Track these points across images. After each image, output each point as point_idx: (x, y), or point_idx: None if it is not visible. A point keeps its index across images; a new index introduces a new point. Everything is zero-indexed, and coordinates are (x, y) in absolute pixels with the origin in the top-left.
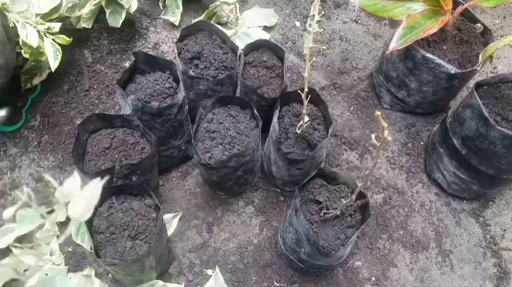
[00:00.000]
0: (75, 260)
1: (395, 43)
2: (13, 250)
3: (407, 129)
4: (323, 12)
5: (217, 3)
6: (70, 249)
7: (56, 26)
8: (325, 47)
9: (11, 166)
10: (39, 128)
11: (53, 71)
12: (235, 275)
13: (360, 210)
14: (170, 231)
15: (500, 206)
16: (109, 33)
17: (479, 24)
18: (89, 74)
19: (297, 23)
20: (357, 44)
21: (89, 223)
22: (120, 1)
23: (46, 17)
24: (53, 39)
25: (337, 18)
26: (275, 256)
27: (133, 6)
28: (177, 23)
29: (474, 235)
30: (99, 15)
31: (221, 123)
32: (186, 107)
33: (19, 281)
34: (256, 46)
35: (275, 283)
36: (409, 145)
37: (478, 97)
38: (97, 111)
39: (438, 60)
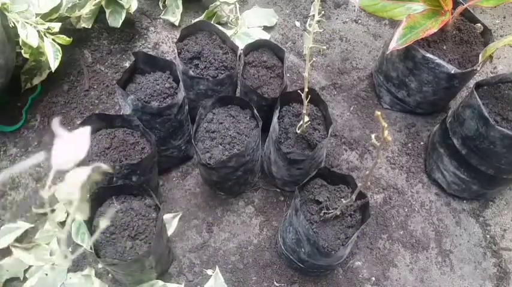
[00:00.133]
0: (75, 260)
1: (395, 43)
2: (13, 250)
3: (407, 129)
4: (323, 12)
5: (217, 3)
6: (70, 249)
7: (56, 26)
8: (325, 47)
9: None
10: (39, 128)
11: (53, 71)
12: (235, 275)
13: (360, 210)
14: (170, 231)
15: (500, 206)
16: (109, 33)
17: (479, 24)
18: (89, 74)
19: (297, 23)
20: (357, 44)
21: (89, 222)
22: (120, 1)
23: (46, 17)
24: (53, 39)
25: (337, 18)
26: (275, 256)
27: (133, 6)
28: (177, 23)
29: (474, 235)
30: (99, 15)
31: (221, 123)
32: (186, 107)
33: (19, 281)
34: (256, 46)
35: (275, 283)
36: (409, 144)
37: (478, 97)
38: (97, 111)
39: (438, 60)
